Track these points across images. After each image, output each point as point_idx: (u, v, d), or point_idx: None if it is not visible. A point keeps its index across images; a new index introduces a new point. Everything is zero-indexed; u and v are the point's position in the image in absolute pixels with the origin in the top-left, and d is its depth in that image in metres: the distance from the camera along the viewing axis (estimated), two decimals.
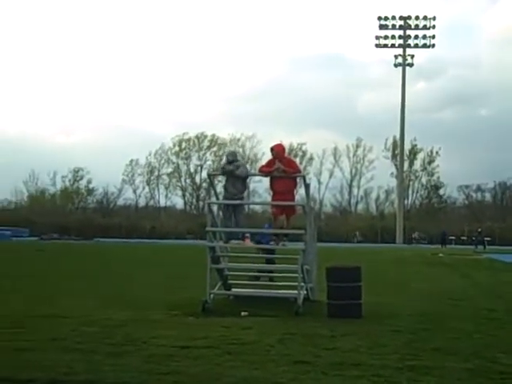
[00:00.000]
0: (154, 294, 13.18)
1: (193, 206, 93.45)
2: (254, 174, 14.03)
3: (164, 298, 12.36)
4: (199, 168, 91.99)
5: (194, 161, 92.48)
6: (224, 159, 12.77)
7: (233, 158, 11.86)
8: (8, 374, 5.87)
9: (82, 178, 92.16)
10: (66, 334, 8.06)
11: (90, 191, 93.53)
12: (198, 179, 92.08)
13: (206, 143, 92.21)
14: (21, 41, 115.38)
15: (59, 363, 6.33)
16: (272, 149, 11.83)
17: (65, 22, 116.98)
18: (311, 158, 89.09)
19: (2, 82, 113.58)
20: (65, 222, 77.37)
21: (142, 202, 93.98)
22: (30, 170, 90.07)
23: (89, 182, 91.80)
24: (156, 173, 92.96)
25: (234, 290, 12.36)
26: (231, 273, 12.35)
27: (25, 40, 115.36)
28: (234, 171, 11.40)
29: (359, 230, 74.09)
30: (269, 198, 12.28)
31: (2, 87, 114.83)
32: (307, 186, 11.99)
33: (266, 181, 12.27)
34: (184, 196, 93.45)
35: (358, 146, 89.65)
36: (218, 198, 12.24)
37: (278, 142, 12.71)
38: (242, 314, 10.31)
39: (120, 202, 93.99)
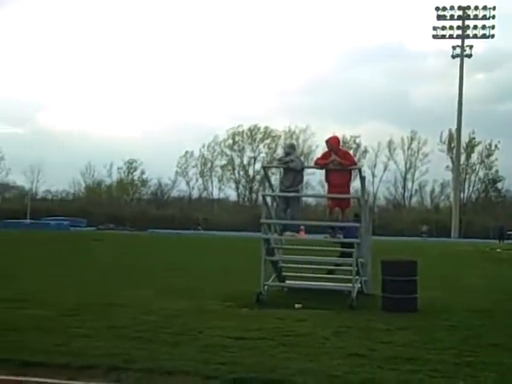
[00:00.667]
0: (208, 285, 13.31)
1: (246, 198, 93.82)
2: (310, 167, 13.95)
3: (218, 289, 12.46)
4: (253, 160, 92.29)
5: (248, 153, 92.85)
6: (281, 151, 12.76)
7: (289, 151, 11.83)
8: (66, 360, 6.01)
9: (135, 170, 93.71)
10: (124, 323, 8.20)
11: (144, 182, 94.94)
12: (251, 171, 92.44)
13: (259, 135, 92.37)
14: (77, 39, 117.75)
15: (118, 351, 6.46)
16: (327, 141, 11.76)
17: (116, 21, 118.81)
18: (365, 151, 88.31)
19: (59, 77, 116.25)
20: (120, 213, 78.81)
21: (195, 194, 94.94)
22: (87, 162, 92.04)
23: (142, 172, 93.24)
24: (209, 165, 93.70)
25: (288, 282, 12.39)
26: (285, 265, 12.39)
27: (81, 38, 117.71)
28: (288, 163, 11.38)
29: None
30: (322, 191, 12.22)
31: (60, 82, 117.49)
32: (363, 179, 11.89)
33: (319, 173, 12.21)
34: (237, 188, 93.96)
35: (412, 139, 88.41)
36: (273, 190, 12.25)
37: (333, 135, 12.59)
38: (296, 306, 10.32)
39: (174, 193, 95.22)
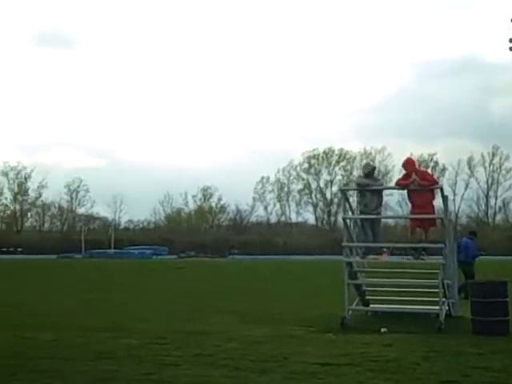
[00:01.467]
0: (290, 309, 13.25)
1: (324, 221, 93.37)
2: (391, 188, 13.93)
3: (300, 313, 12.41)
4: (329, 183, 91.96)
5: (324, 176, 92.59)
6: (359, 172, 12.66)
7: (369, 171, 11.77)
8: None
9: (211, 196, 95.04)
10: (210, 350, 8.25)
11: (222, 209, 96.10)
12: (328, 194, 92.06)
13: (334, 158, 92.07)
14: (151, 73, 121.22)
15: (207, 379, 6.51)
16: (403, 165, 11.74)
17: (183, 51, 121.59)
18: (444, 169, 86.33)
19: (137, 110, 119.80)
20: (200, 240, 79.95)
21: (273, 219, 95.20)
22: (166, 191, 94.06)
23: (219, 199, 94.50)
24: (286, 189, 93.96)
25: (372, 305, 12.18)
26: (369, 288, 12.20)
27: (154, 72, 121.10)
28: (370, 185, 11.31)
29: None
30: (400, 211, 12.03)
31: (137, 115, 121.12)
32: (445, 198, 11.64)
33: (398, 194, 12.17)
34: (315, 211, 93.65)
35: (494, 154, 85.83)
36: (352, 213, 12.13)
37: (408, 157, 12.53)
38: (382, 330, 10.12)
39: (252, 218, 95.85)
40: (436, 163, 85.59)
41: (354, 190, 12.21)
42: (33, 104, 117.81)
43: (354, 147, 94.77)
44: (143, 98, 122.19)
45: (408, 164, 11.67)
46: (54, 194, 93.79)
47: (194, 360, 7.64)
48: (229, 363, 7.39)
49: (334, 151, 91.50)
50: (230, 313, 12.58)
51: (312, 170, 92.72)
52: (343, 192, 12.56)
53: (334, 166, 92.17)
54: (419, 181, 11.15)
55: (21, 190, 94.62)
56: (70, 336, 9.53)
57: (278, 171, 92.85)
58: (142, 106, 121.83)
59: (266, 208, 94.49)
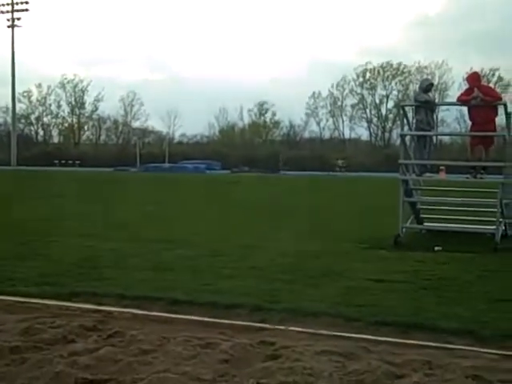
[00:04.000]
0: (345, 226, 13.30)
1: (378, 138, 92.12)
2: (452, 104, 13.56)
3: (353, 230, 12.43)
4: (385, 98, 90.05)
5: (379, 91, 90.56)
6: (418, 87, 12.24)
7: (426, 86, 11.45)
8: (214, 299, 6.25)
9: (266, 112, 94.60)
10: (264, 264, 8.37)
11: (276, 124, 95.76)
12: (383, 110, 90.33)
13: (391, 72, 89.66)
14: None
15: (261, 291, 6.63)
16: (466, 79, 11.33)
17: None
18: (508, 85, 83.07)
19: (192, 24, 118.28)
20: (253, 155, 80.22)
21: (326, 135, 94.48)
22: (221, 105, 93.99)
23: (273, 114, 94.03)
24: (339, 103, 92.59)
25: (426, 224, 12.11)
26: (424, 207, 12.11)
27: None
28: (434, 102, 11.05)
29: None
30: (458, 128, 11.77)
31: (193, 29, 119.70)
32: (509, 115, 11.26)
33: (455, 110, 11.82)
34: (369, 127, 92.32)
35: None
36: (410, 129, 11.87)
37: (473, 71, 12.08)
38: (436, 248, 10.10)
39: (305, 134, 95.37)
40: (500, 78, 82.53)
41: (415, 105, 11.84)
42: (90, 17, 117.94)
43: (412, 61, 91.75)
44: (200, 12, 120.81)
45: (471, 78, 11.27)
46: (109, 107, 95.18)
47: (249, 273, 7.77)
48: (282, 277, 7.50)
49: (391, 65, 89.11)
50: (284, 228, 12.66)
51: (367, 85, 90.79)
52: (402, 108, 12.25)
53: (391, 81, 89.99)
54: (482, 96, 10.78)
55: (78, 103, 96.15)
56: (129, 246, 9.83)
57: (332, 86, 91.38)
58: (200, 20, 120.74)
59: (318, 123, 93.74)
